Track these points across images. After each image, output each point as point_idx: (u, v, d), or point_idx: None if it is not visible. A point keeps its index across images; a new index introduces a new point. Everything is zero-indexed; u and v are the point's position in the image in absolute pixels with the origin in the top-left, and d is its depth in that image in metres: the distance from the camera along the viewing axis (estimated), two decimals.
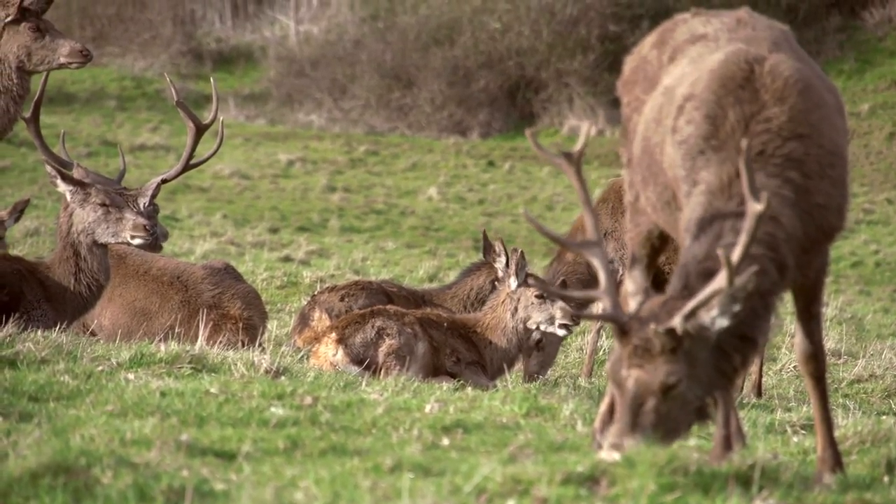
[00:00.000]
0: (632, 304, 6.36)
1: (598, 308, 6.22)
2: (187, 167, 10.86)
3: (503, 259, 10.70)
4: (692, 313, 6.17)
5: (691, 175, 6.64)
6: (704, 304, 6.17)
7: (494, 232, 27.10)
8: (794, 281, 6.75)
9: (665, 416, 6.21)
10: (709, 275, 6.28)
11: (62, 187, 10.22)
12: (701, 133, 6.66)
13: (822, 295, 6.94)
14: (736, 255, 6.17)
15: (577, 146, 6.78)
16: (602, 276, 6.48)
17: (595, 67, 42.72)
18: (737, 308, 6.21)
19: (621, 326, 6.27)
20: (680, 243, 6.69)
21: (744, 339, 6.33)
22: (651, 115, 7.05)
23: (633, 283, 6.42)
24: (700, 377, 6.25)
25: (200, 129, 10.99)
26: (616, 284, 6.48)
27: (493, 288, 11.15)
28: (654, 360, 6.20)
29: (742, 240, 6.18)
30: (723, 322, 6.21)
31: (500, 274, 10.76)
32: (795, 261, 6.53)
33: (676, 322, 6.16)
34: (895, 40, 41.57)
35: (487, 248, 11.44)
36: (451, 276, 16.52)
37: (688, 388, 6.22)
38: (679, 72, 7.01)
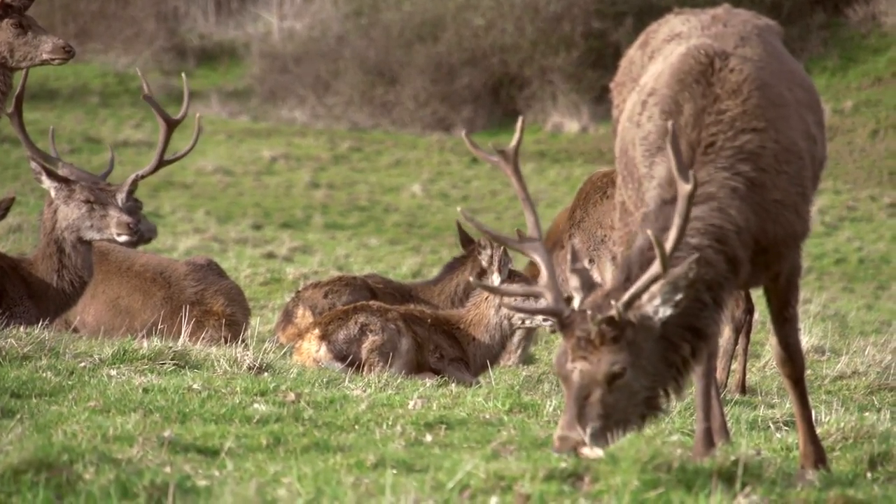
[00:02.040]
0: (575, 299, 6.35)
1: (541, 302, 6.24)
2: (161, 163, 10.79)
3: (488, 251, 10.63)
4: (631, 301, 6.16)
5: (650, 171, 6.64)
6: (642, 291, 6.15)
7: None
8: (759, 282, 6.73)
9: (612, 407, 6.20)
10: (650, 264, 6.26)
11: (47, 184, 10.21)
12: (658, 129, 6.65)
13: (796, 299, 6.92)
14: (670, 239, 6.15)
15: (512, 142, 6.76)
16: (544, 271, 6.48)
17: (579, 64, 42.67)
18: (679, 297, 6.18)
19: (563, 320, 6.27)
20: None
21: (692, 331, 6.32)
22: (626, 113, 7.05)
23: (577, 279, 6.40)
24: (646, 367, 6.24)
25: (171, 125, 10.93)
26: (557, 279, 6.48)
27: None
28: (597, 351, 6.19)
29: (676, 223, 6.16)
30: (666, 311, 6.20)
31: (485, 265, 10.68)
32: (753, 258, 6.51)
33: (614, 310, 6.16)
34: (878, 37, 41.63)
35: (465, 241, 11.46)
36: (435, 273, 16.49)
37: (633, 377, 6.22)
38: (654, 70, 7.01)
